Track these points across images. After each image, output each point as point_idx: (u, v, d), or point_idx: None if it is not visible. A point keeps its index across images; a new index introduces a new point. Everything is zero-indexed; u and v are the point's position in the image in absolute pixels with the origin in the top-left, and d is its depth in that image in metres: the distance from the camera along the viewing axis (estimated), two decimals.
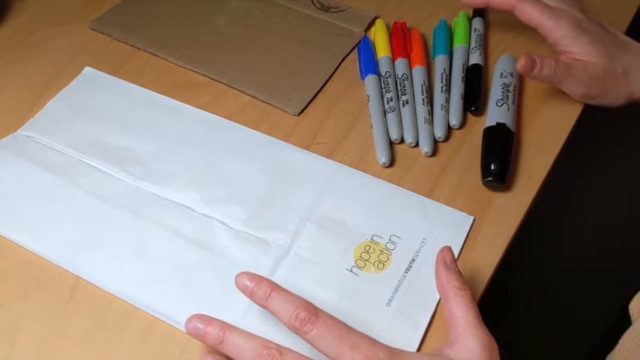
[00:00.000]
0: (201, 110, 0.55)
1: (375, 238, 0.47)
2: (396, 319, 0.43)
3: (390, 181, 0.50)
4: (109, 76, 0.58)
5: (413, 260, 0.46)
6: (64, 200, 0.49)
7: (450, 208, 0.49)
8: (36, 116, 0.54)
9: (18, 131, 0.53)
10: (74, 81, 0.57)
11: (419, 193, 0.50)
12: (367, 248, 0.46)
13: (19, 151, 0.52)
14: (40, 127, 0.54)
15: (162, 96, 0.56)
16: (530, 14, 0.54)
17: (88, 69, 0.58)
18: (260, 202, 0.49)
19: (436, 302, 0.44)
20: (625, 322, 0.45)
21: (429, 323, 0.43)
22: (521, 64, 0.53)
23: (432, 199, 0.49)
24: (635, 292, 0.46)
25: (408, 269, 0.45)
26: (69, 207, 0.48)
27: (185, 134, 0.53)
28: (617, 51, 0.53)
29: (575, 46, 0.53)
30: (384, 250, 0.46)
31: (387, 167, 0.51)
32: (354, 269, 0.45)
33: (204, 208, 0.48)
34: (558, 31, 0.53)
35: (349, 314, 0.42)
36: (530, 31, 0.57)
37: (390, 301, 0.44)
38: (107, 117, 0.55)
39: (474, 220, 0.48)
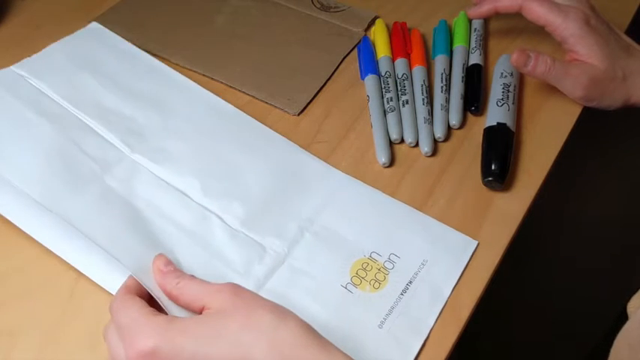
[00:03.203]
0: (213, 94, 0.52)
1: (374, 256, 0.45)
2: (387, 342, 0.41)
3: (389, 181, 0.50)
4: (117, 36, 0.54)
5: (410, 282, 0.44)
6: (55, 147, 0.46)
7: (455, 231, 0.46)
8: (32, 57, 0.51)
9: (10, 67, 0.49)
10: (78, 32, 0.53)
11: (418, 194, 0.49)
12: (365, 265, 0.44)
13: (10, 88, 0.48)
14: (35, 68, 0.50)
15: (171, 69, 0.53)
16: (538, 12, 0.54)
17: (94, 24, 0.54)
18: (261, 203, 0.47)
19: (430, 328, 0.42)
20: (625, 322, 0.44)
21: (421, 349, 0.41)
22: (514, 58, 0.53)
23: (432, 199, 0.49)
24: (635, 292, 0.46)
25: (404, 291, 0.43)
26: (60, 153, 0.46)
27: (194, 116, 0.50)
28: (620, 53, 0.53)
29: (581, 46, 0.52)
30: (381, 269, 0.44)
31: (387, 167, 0.51)
32: (349, 286, 0.43)
33: (202, 198, 0.46)
34: (566, 29, 0.53)
35: (339, 332, 0.41)
36: (530, 30, 0.57)
37: (383, 322, 0.41)
38: (110, 77, 0.51)
39: (478, 244, 0.46)
